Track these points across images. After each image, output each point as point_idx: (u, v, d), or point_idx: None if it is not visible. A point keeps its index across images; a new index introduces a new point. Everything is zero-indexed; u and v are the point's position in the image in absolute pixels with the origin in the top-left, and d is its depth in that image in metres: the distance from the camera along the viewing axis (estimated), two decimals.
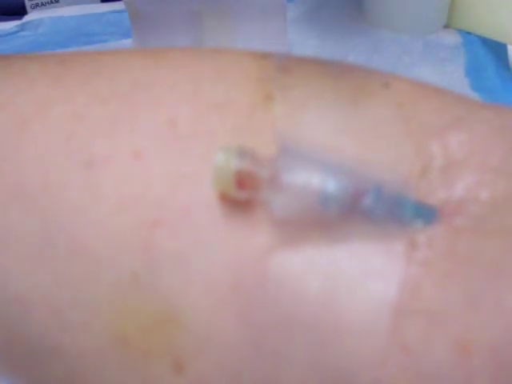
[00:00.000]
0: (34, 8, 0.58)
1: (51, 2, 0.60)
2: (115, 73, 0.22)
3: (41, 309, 0.20)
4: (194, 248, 0.19)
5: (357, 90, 0.21)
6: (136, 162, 0.20)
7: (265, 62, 0.22)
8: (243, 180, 0.19)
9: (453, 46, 0.49)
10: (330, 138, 0.20)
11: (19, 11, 0.59)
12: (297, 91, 0.21)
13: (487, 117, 0.21)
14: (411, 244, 0.18)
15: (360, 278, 0.18)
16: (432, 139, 0.20)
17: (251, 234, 0.19)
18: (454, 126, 0.21)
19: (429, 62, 0.48)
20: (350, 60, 0.46)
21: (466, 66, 0.48)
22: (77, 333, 0.20)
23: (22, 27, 0.53)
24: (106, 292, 0.20)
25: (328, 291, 0.18)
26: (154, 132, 0.20)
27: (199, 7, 0.46)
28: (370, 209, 0.18)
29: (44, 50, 0.50)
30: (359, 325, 0.18)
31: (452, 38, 0.49)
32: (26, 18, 0.54)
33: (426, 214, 0.18)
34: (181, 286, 0.19)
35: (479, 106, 0.22)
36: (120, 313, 0.20)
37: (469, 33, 0.49)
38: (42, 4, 0.57)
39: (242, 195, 0.19)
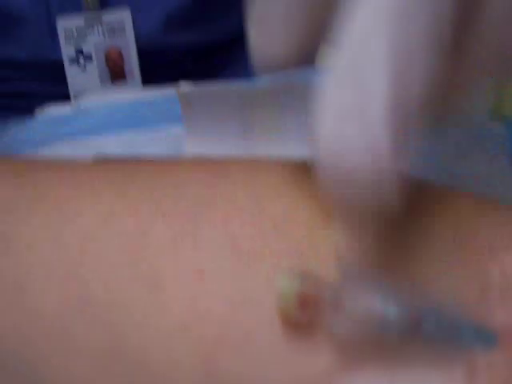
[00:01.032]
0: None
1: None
2: (178, 187, 0.23)
3: None
4: (255, 368, 0.19)
5: (415, 208, 0.21)
6: (199, 281, 0.20)
7: None
8: (306, 303, 0.19)
9: (500, 136, 0.48)
10: (390, 262, 0.20)
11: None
12: None
13: None
14: (471, 369, 0.18)
15: None
16: (490, 260, 0.20)
17: (313, 356, 0.19)
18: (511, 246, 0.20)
19: (475, 153, 0.47)
20: None
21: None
22: None
23: (76, 111, 0.54)
24: None
25: None
26: (217, 250, 0.21)
27: (248, 98, 0.46)
28: (429, 333, 0.18)
29: (96, 134, 0.51)
30: None
31: (498, 129, 0.49)
32: (81, 103, 0.56)
33: (486, 338, 0.18)
34: None
35: None
36: None
37: None
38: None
39: (304, 318, 0.19)
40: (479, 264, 0.20)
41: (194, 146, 0.47)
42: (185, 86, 0.49)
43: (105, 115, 0.53)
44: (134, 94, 0.57)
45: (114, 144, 0.50)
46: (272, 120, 0.45)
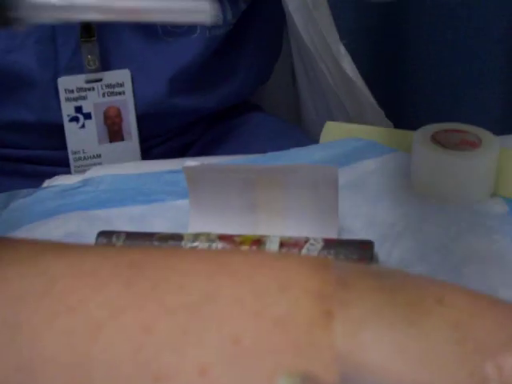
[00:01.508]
0: (78, 171, 0.61)
1: (94, 157, 0.63)
2: (182, 282, 0.23)
3: None
4: None
5: (412, 308, 0.21)
6: (202, 378, 0.20)
7: (324, 275, 0.23)
8: None
9: (500, 215, 0.49)
10: (387, 362, 0.20)
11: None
12: (355, 308, 0.21)
13: None
14: None
15: None
16: (487, 361, 0.20)
17: None
18: (508, 347, 0.20)
19: (477, 231, 0.48)
20: (400, 229, 0.46)
21: None
22: None
23: (85, 183, 0.55)
24: None
25: None
26: (220, 348, 0.21)
27: (254, 176, 0.47)
28: None
29: (104, 206, 0.52)
30: None
31: (499, 207, 0.49)
32: (88, 174, 0.56)
33: None
34: None
35: None
36: None
37: None
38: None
39: None
40: (476, 364, 0.20)
41: (198, 223, 0.47)
42: (190, 162, 0.49)
43: (111, 187, 0.54)
44: (139, 166, 0.58)
45: (120, 217, 0.50)
46: (275, 200, 0.46)
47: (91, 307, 0.22)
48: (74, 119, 0.64)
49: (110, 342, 0.21)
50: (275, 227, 0.47)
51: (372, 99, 0.71)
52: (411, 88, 1.06)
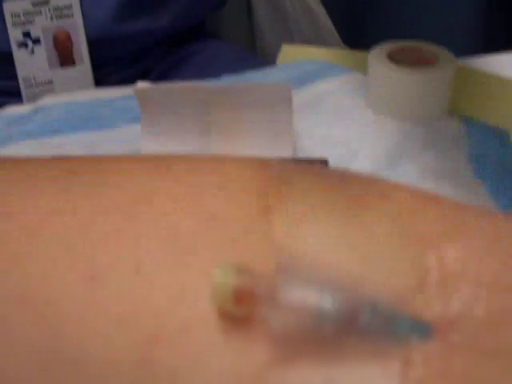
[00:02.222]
0: (30, 99, 0.60)
1: (45, 83, 0.62)
2: (119, 184, 0.23)
3: None
4: (192, 365, 0.19)
5: (354, 203, 0.22)
6: (137, 276, 0.21)
7: (264, 173, 0.23)
8: (241, 297, 0.19)
9: (455, 133, 0.49)
10: (326, 254, 0.20)
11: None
12: (295, 203, 0.22)
13: (483, 227, 0.21)
14: (407, 361, 0.18)
15: None
16: (428, 252, 0.20)
17: (249, 350, 0.19)
18: (450, 238, 0.21)
19: (432, 149, 0.48)
20: (355, 148, 0.46)
21: (468, 153, 0.49)
22: None
23: (36, 111, 0.54)
24: None
25: None
26: (155, 245, 0.21)
27: (207, 97, 0.47)
28: (365, 326, 0.18)
29: (56, 134, 0.51)
30: None
31: (455, 125, 0.50)
32: (39, 103, 0.56)
33: (421, 329, 0.18)
34: None
35: (475, 215, 0.22)
36: None
37: (471, 120, 0.49)
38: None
39: (240, 311, 0.19)
40: (417, 255, 0.20)
41: (150, 144, 0.47)
42: (142, 84, 0.49)
43: (63, 115, 0.53)
44: (91, 93, 0.57)
45: (72, 144, 0.50)
46: (229, 121, 0.46)
47: (27, 212, 0.22)
48: (23, 45, 0.63)
49: (44, 244, 0.22)
50: (229, 148, 0.47)
51: (329, 22, 0.70)
52: (369, 9, 1.05)
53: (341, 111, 0.51)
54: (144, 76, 0.72)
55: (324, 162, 0.44)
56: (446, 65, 0.50)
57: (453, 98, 0.52)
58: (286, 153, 0.46)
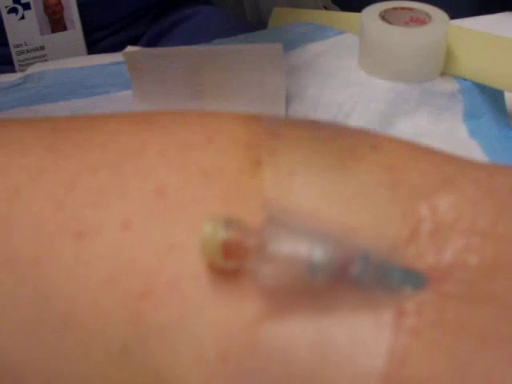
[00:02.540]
0: (22, 67, 0.60)
1: (37, 49, 0.61)
2: (106, 141, 0.22)
3: (33, 381, 0.20)
4: (181, 320, 0.19)
5: (345, 154, 0.21)
6: (125, 232, 0.20)
7: (254, 127, 0.22)
8: (230, 250, 0.19)
9: (450, 93, 0.49)
10: (317, 205, 0.20)
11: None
12: (285, 157, 0.21)
13: (477, 177, 0.21)
14: (400, 311, 0.18)
15: (348, 348, 0.18)
16: (420, 202, 0.20)
17: (239, 304, 0.19)
18: (442, 188, 0.21)
19: (426, 110, 0.48)
20: (348, 109, 0.46)
21: (463, 113, 0.48)
22: None
23: (25, 79, 0.54)
24: (97, 365, 0.20)
25: (316, 361, 0.18)
26: (143, 201, 0.21)
27: (198, 60, 0.46)
28: (357, 277, 0.18)
29: (46, 102, 0.51)
30: None
31: (449, 85, 0.49)
32: (29, 71, 0.55)
33: (414, 280, 0.18)
34: (169, 358, 0.19)
35: (469, 166, 0.22)
36: None
37: (465, 80, 0.49)
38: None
39: (229, 265, 0.19)
40: (409, 206, 0.20)
41: (140, 107, 0.47)
42: (131, 48, 0.48)
43: (54, 82, 0.53)
44: (82, 60, 0.57)
45: (64, 111, 0.50)
46: (220, 84, 0.45)
47: (11, 172, 0.22)
48: (13, 10, 0.62)
49: (29, 203, 0.21)
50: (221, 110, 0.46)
51: None
52: None
53: (333, 72, 0.50)
54: (134, 41, 0.71)
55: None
56: (439, 24, 0.49)
57: (447, 57, 0.51)
58: (279, 113, 0.45)
